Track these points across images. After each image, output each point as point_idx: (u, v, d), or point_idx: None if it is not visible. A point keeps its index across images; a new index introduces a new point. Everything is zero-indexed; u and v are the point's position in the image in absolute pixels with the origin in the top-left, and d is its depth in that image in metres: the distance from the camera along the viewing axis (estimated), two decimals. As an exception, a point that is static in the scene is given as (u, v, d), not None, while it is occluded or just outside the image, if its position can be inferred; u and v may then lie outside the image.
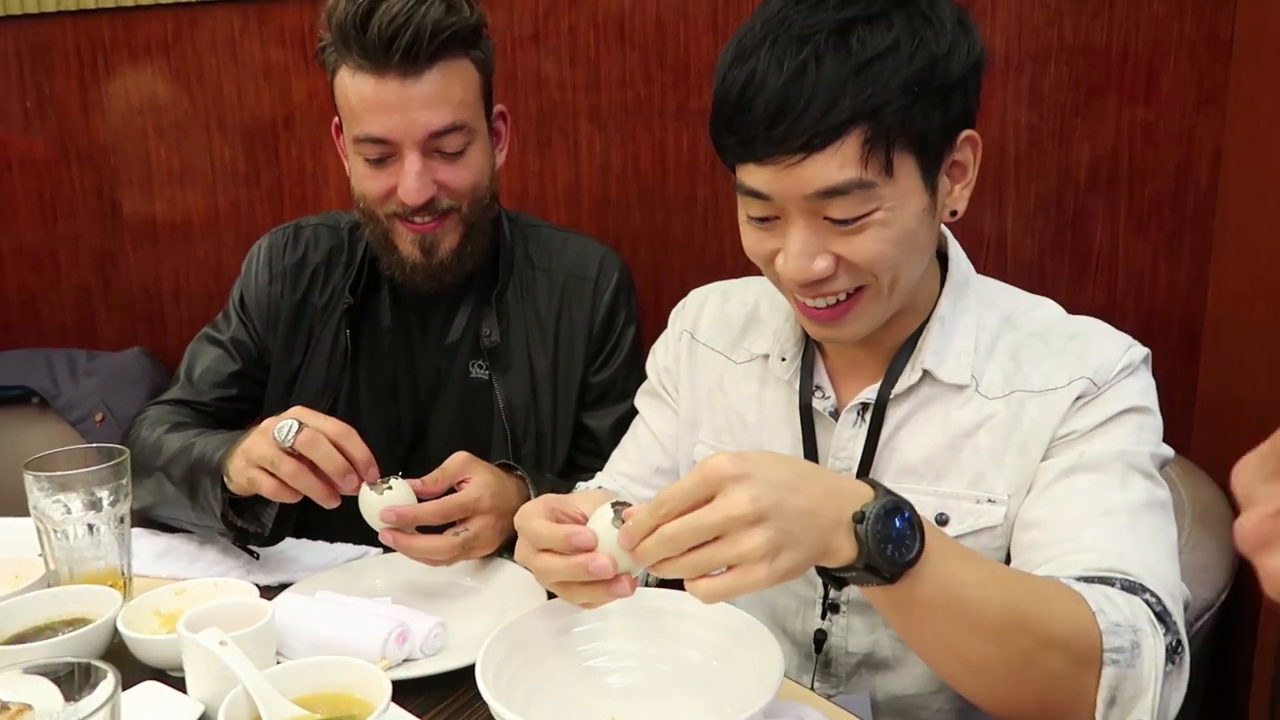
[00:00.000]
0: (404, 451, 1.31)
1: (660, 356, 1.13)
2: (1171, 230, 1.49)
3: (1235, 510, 1.32)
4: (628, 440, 1.15)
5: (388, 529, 0.99)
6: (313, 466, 0.98)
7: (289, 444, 0.98)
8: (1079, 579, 0.78)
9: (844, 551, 0.68)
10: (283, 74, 1.90)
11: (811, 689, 1.01)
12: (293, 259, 1.34)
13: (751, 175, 0.84)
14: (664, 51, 1.67)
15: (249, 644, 0.80)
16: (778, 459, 0.69)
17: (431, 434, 1.30)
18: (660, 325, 1.21)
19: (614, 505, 0.74)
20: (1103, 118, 1.49)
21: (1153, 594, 0.77)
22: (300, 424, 0.98)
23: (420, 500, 1.01)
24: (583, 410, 1.31)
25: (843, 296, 0.88)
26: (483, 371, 1.29)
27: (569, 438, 1.29)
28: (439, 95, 1.14)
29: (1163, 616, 0.76)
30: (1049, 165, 1.52)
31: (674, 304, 1.15)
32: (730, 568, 0.66)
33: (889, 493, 0.70)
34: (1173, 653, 0.75)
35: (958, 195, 0.89)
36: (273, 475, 1.00)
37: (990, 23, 1.50)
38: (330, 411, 1.28)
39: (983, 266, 1.60)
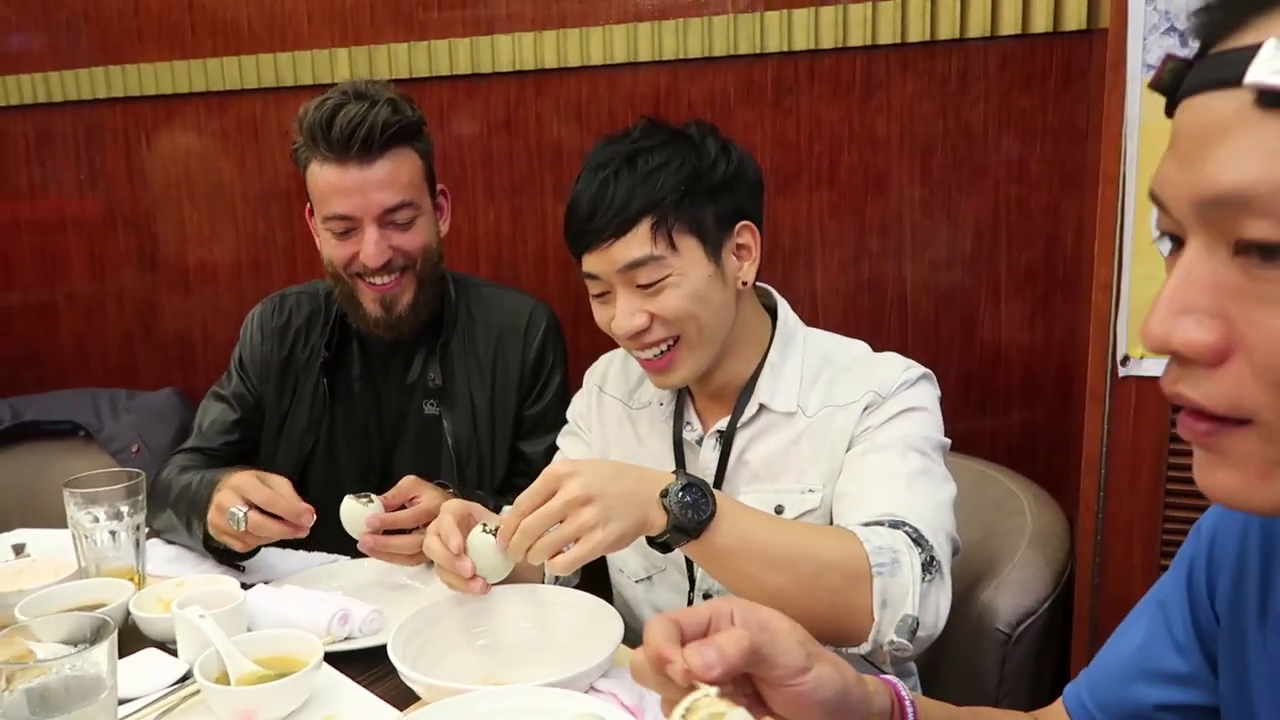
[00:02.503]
0: (376, 479, 1.56)
1: (577, 405, 1.40)
2: (1044, 293, 1.71)
3: (1070, 536, 1.52)
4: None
5: (369, 534, 1.24)
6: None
7: (241, 529, 1.25)
8: (861, 524, 1.02)
9: (658, 521, 0.94)
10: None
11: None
12: (279, 322, 1.61)
13: (586, 262, 1.16)
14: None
15: (224, 620, 1.06)
16: (602, 460, 0.96)
17: (397, 463, 1.55)
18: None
19: (484, 525, 1.03)
20: (983, 194, 1.72)
21: (912, 527, 1.01)
22: (245, 510, 1.25)
23: None
24: (519, 439, 1.55)
25: (663, 349, 1.16)
26: (434, 409, 1.54)
27: (506, 462, 1.54)
28: (389, 179, 1.41)
29: (919, 541, 1.00)
30: (939, 235, 1.75)
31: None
32: (576, 541, 0.91)
33: (687, 475, 0.96)
34: (928, 566, 0.98)
35: (746, 271, 1.19)
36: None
37: (888, 113, 1.75)
38: (313, 449, 1.55)
39: (887, 325, 1.84)
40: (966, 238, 1.74)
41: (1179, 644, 0.77)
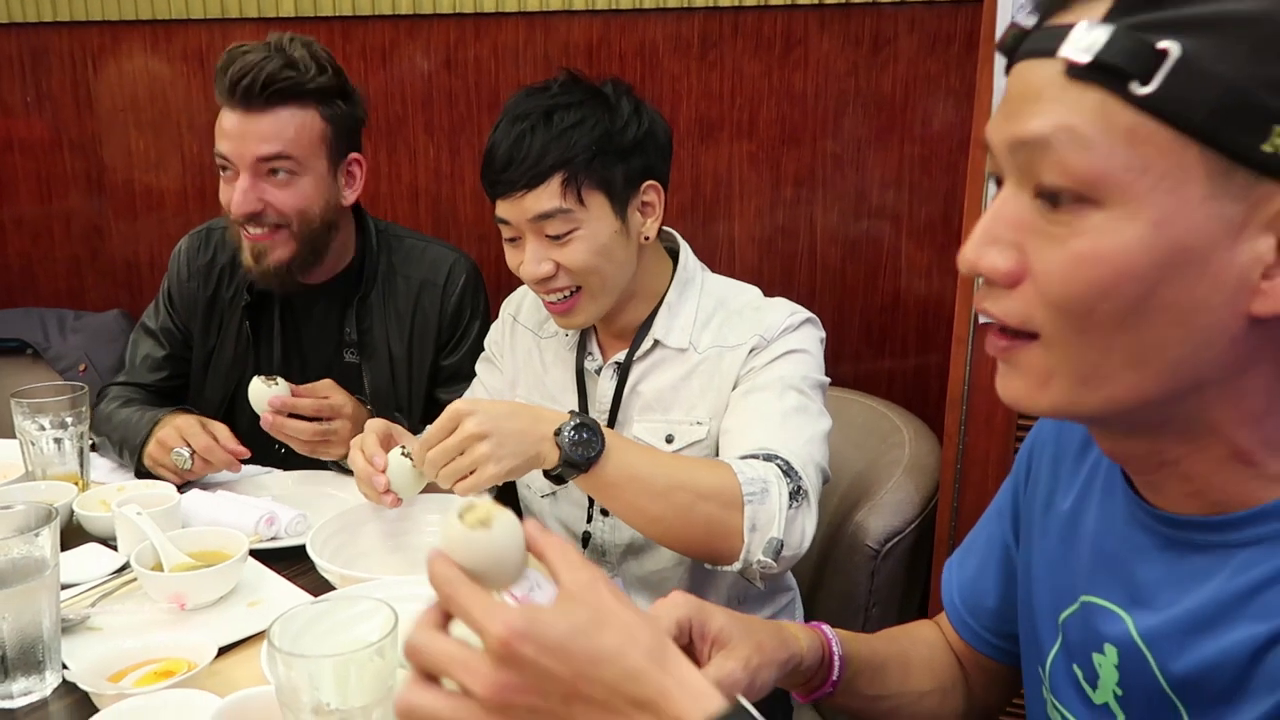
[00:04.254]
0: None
1: (493, 333, 1.51)
2: (942, 244, 1.84)
3: (941, 464, 1.66)
4: (468, 393, 1.52)
5: (270, 413, 1.35)
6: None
7: (186, 467, 1.37)
8: (739, 457, 1.14)
9: (550, 456, 1.06)
10: (242, 83, 2.25)
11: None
12: (205, 259, 1.66)
13: (499, 208, 1.25)
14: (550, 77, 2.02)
15: (159, 518, 1.17)
16: (500, 402, 1.07)
17: None
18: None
19: (403, 448, 1.15)
20: (889, 150, 1.83)
21: (784, 460, 1.13)
22: (190, 453, 1.37)
23: None
24: (437, 387, 1.64)
25: (567, 294, 1.26)
26: (353, 357, 1.62)
27: (422, 410, 1.63)
28: (271, 132, 1.44)
29: (789, 472, 1.12)
30: (848, 187, 1.87)
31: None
32: (474, 471, 1.04)
33: (580, 415, 1.07)
34: (795, 495, 1.11)
35: (649, 226, 1.28)
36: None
37: (804, 71, 1.85)
38: (237, 387, 1.63)
39: (798, 271, 1.96)
40: (873, 191, 1.86)
41: (1008, 542, 0.91)
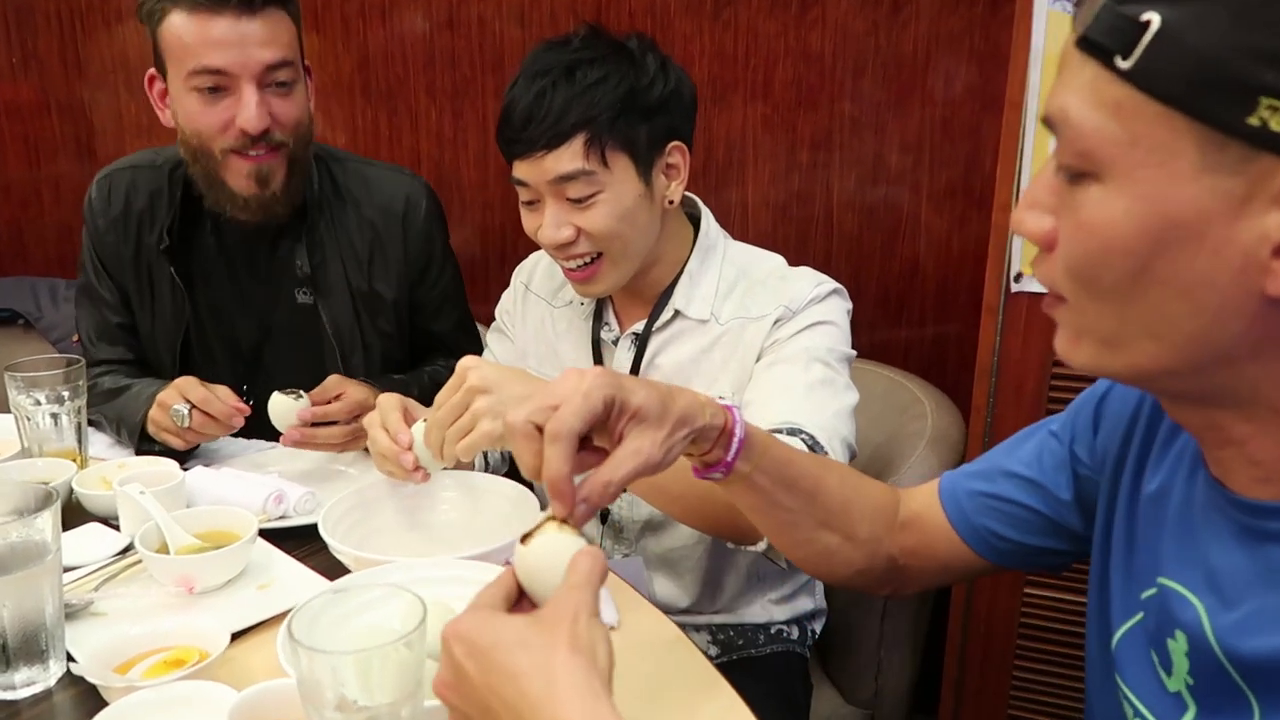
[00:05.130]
0: (244, 368, 1.52)
1: (505, 302, 1.46)
2: (962, 210, 1.79)
3: (965, 439, 1.63)
4: None
5: (295, 428, 1.29)
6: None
7: (185, 425, 1.30)
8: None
9: None
10: (236, 43, 2.17)
11: (601, 546, 1.36)
12: (118, 209, 1.48)
13: (517, 169, 1.19)
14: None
15: (163, 496, 1.12)
16: (510, 367, 1.02)
17: (269, 353, 1.53)
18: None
19: (425, 421, 1.09)
20: (909, 114, 1.78)
21: (808, 433, 1.08)
22: (189, 408, 1.30)
23: None
24: (427, 319, 1.55)
25: (588, 260, 1.20)
26: (307, 297, 1.48)
27: (399, 345, 1.54)
28: (270, 35, 1.31)
29: (814, 446, 1.07)
30: (866, 151, 1.82)
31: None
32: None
33: None
34: None
35: (673, 190, 1.22)
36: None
37: (821, 31, 1.78)
38: (185, 343, 1.52)
39: (814, 237, 1.91)
40: (892, 155, 1.81)
41: (1052, 468, 0.87)
